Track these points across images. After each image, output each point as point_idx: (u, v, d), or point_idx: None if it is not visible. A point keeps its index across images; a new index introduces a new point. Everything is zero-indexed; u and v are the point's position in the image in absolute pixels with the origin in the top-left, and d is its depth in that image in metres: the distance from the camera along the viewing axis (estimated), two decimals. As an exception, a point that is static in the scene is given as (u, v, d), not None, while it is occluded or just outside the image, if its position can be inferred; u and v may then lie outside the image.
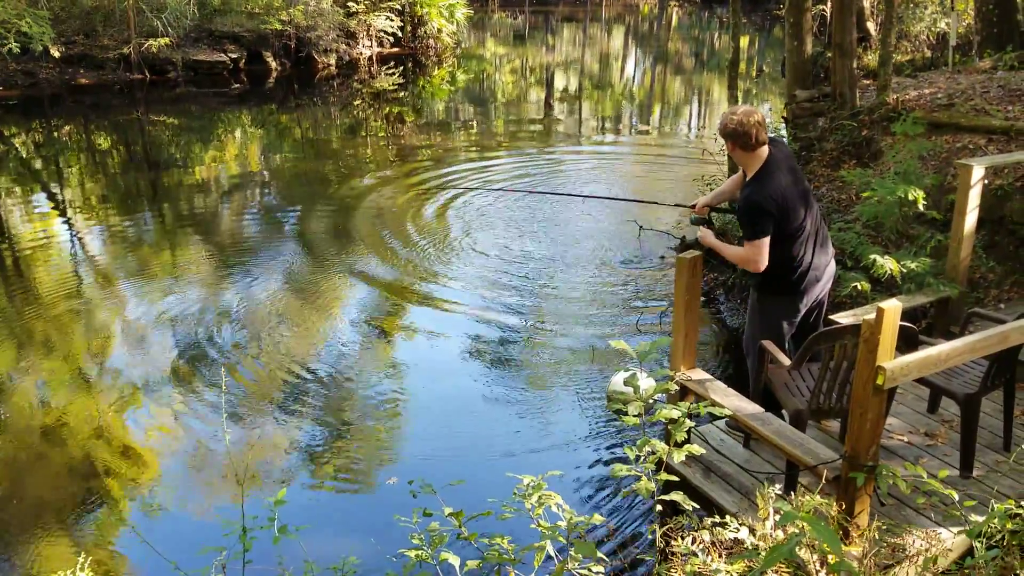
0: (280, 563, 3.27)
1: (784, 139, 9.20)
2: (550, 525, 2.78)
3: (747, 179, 4.54)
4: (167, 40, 20.20)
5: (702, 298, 7.99)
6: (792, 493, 3.89)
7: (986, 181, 6.26)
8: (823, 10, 17.57)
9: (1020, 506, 2.63)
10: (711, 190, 9.32)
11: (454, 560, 2.79)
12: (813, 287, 4.60)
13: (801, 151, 8.99)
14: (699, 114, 20.06)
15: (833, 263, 4.73)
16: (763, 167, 4.44)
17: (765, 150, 4.46)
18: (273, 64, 22.30)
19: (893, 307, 3.34)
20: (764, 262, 4.37)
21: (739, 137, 4.39)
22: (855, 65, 9.19)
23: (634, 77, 26.67)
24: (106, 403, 6.35)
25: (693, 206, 5.12)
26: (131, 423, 6.10)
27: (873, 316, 3.34)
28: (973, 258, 6.16)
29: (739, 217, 4.47)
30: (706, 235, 4.80)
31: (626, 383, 2.99)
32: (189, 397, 6.41)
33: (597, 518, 2.76)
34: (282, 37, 22.38)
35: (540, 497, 2.88)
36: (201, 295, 8.35)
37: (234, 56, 21.63)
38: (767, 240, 4.34)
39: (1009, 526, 2.51)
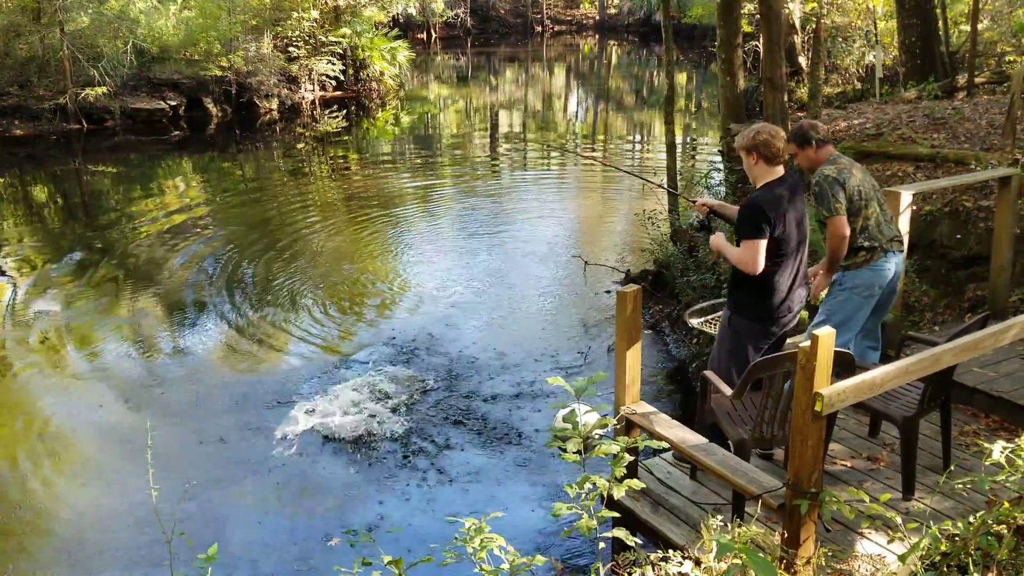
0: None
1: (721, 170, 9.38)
2: (492, 568, 2.73)
3: (755, 189, 4.67)
4: (104, 89, 19.92)
5: (648, 331, 8.07)
6: (740, 523, 3.89)
7: (915, 207, 6.44)
8: (756, 46, 18.04)
9: (955, 526, 2.65)
10: (652, 224, 9.45)
11: (397, 610, 2.72)
12: (784, 317, 4.66)
13: (737, 184, 9.16)
14: (641, 149, 20.35)
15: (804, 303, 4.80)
16: (774, 180, 4.58)
17: (781, 169, 4.60)
18: (214, 110, 22.13)
19: (827, 333, 3.38)
20: (759, 265, 4.45)
21: (765, 148, 4.53)
22: (787, 98, 9.42)
23: (577, 115, 27.02)
24: (42, 459, 6.14)
25: (694, 201, 5.21)
26: (65, 480, 5.91)
27: (808, 343, 3.37)
28: (906, 283, 6.29)
29: (738, 218, 4.57)
30: (718, 237, 4.83)
31: (565, 419, 2.97)
32: (122, 452, 6.23)
33: (539, 559, 2.72)
34: (222, 83, 22.24)
35: (482, 540, 2.83)
36: (141, 346, 8.16)
37: (173, 103, 21.42)
38: (763, 243, 4.43)
39: (942, 547, 2.53)
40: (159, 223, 12.87)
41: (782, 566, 3.34)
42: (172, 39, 22.76)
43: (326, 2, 25.39)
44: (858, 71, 17.78)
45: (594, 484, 2.85)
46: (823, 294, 5.14)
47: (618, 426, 4.35)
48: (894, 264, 5.00)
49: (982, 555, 2.52)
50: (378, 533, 3.01)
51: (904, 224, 5.64)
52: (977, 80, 12.63)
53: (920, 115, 9.73)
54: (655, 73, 33.55)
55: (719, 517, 3.33)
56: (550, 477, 5.83)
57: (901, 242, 5.13)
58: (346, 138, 21.01)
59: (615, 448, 2.89)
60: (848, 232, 4.82)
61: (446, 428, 6.56)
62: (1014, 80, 7.88)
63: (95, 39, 20.49)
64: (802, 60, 17.45)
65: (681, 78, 30.61)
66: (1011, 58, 14.83)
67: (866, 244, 4.90)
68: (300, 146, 19.97)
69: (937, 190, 7.10)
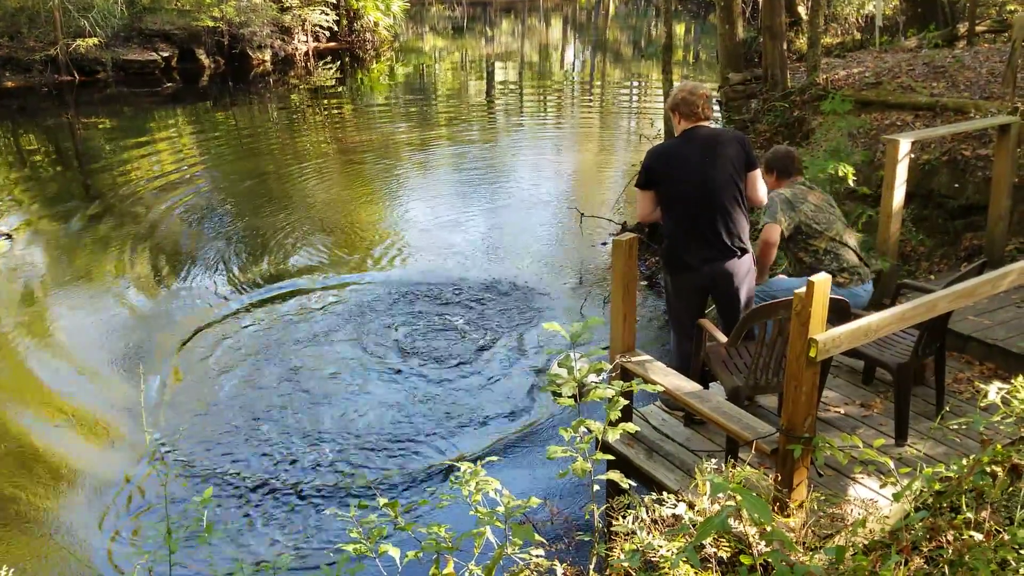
0: (210, 563, 3.18)
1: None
2: (488, 511, 2.75)
3: None
4: (95, 40, 19.64)
5: (643, 282, 8.06)
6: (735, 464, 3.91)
7: (913, 156, 6.40)
8: (755, -5, 17.78)
9: (949, 468, 2.67)
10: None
11: (394, 552, 2.74)
12: (686, 273, 4.60)
13: (736, 133, 9.08)
14: (638, 99, 20.17)
15: (733, 264, 4.54)
16: (681, 134, 4.59)
17: (693, 124, 4.54)
18: (206, 62, 21.85)
19: (822, 280, 3.37)
20: (644, 213, 4.70)
21: (685, 105, 4.53)
22: (786, 47, 9.31)
23: (574, 66, 26.73)
24: (36, 406, 6.17)
25: None
26: (57, 426, 5.94)
27: (804, 290, 3.37)
28: (903, 232, 6.28)
29: None
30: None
31: (560, 364, 2.97)
32: (115, 398, 6.26)
33: (534, 501, 2.74)
34: (214, 34, 21.93)
35: (478, 483, 2.84)
36: (136, 298, 8.15)
37: (166, 55, 21.15)
38: (646, 194, 4.61)
39: (936, 487, 2.55)
40: (151, 174, 12.77)
41: (776, 508, 3.37)
42: (163, -12, 22.43)
43: (319, -50, 24.95)
44: (858, 21, 17.54)
45: (588, 428, 2.87)
46: None
47: (614, 374, 4.36)
48: (867, 294, 5.02)
49: (975, 495, 2.54)
50: (373, 477, 3.02)
51: (902, 172, 5.61)
52: (978, 28, 12.48)
53: (920, 64, 9.62)
54: (653, 24, 33.13)
55: (713, 461, 3.35)
56: (547, 423, 5.86)
57: (868, 266, 5.09)
58: (340, 89, 20.80)
59: (610, 392, 2.90)
60: (777, 239, 4.89)
61: (441, 382, 6.56)
62: (1015, 28, 7.78)
63: (85, -12, 20.17)
64: (801, 10, 17.19)
65: (679, 29, 30.24)
66: (1012, 7, 14.62)
67: (837, 267, 4.91)
68: (294, 97, 19.76)
69: (936, 138, 7.04)
